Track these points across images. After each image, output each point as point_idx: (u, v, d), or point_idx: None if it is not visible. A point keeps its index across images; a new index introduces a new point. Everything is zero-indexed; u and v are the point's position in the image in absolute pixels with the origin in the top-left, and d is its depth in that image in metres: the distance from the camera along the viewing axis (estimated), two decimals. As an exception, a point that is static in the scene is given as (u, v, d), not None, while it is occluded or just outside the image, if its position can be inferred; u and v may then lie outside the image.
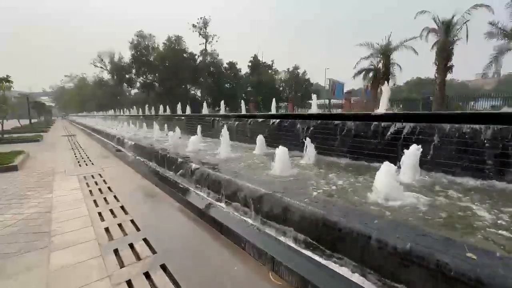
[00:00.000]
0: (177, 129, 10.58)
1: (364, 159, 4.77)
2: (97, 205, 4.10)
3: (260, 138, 6.37)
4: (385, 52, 14.52)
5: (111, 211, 3.88)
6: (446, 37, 12.58)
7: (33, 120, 36.41)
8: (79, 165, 7.39)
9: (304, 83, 42.91)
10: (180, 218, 3.57)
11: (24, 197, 4.52)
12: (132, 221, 3.48)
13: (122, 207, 4.00)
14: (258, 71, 42.18)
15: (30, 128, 23.96)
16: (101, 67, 49.57)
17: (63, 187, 5.08)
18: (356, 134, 4.89)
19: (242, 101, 9.20)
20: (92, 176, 5.98)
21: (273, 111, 8.42)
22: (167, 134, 11.61)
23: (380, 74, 16.35)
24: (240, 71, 43.17)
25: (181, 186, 4.48)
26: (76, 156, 8.83)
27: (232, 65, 41.76)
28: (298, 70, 43.10)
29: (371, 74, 16.92)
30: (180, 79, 39.51)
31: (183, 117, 11.93)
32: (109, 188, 5.04)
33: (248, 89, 43.61)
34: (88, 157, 8.60)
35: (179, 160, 5.20)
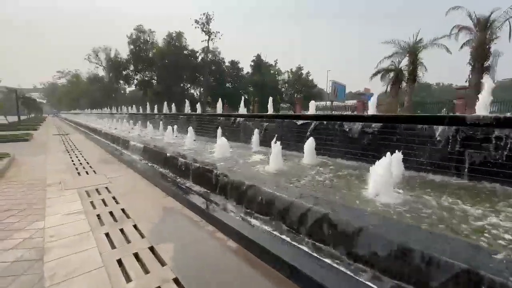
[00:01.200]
0: (191, 131, 9.25)
1: (467, 177, 3.56)
2: (113, 245, 2.75)
3: (309, 144, 5.09)
4: (413, 51, 13.42)
5: (137, 256, 2.54)
6: (483, 35, 11.59)
7: (22, 117, 34.37)
8: (78, 173, 5.97)
9: (307, 84, 41.86)
10: (259, 278, 2.25)
11: (2, 228, 3.13)
12: (176, 281, 2.16)
13: (152, 249, 2.66)
14: (260, 71, 40.95)
15: (18, 126, 22.13)
16: (96, 63, 47.55)
17: (60, 209, 3.70)
18: (462, 143, 3.67)
19: (270, 98, 7.93)
20: (97, 191, 4.60)
21: (312, 111, 7.11)
22: (176, 136, 10.28)
23: (401, 75, 15.33)
24: (242, 70, 41.85)
25: (248, 222, 3.14)
26: (73, 161, 7.38)
27: (234, 63, 40.40)
28: (302, 71, 42.05)
29: (391, 75, 15.87)
30: (179, 77, 37.99)
31: (194, 117, 10.57)
32: (123, 211, 3.68)
33: (250, 88, 42.33)
34: (87, 162, 7.17)
35: (249, 185, 3.86)
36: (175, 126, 10.63)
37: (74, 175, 5.78)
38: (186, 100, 13.49)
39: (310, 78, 42.53)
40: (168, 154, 5.49)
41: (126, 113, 20.44)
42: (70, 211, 3.65)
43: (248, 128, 7.86)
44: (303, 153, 5.47)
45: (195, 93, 44.71)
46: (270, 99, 8.07)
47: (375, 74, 16.94)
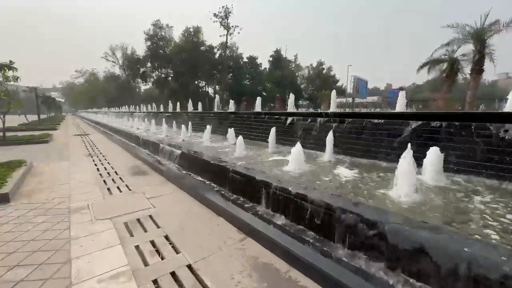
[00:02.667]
0: (232, 132, 7.89)
1: None
2: None
3: (435, 155, 3.51)
4: (480, 36, 11.29)
5: None
6: None
7: (42, 116, 34.42)
8: (108, 189, 4.68)
9: (328, 80, 39.76)
10: None
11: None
12: None
13: None
14: (280, 67, 39.22)
15: (38, 125, 21.64)
16: (113, 61, 47.28)
17: (94, 266, 2.34)
18: None
19: (333, 92, 6.29)
20: (141, 224, 3.25)
21: (401, 107, 5.39)
22: (210, 138, 8.90)
23: (458, 66, 13.26)
24: (260, 66, 40.23)
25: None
26: (99, 170, 6.14)
27: (252, 59, 38.82)
28: (323, 66, 39.96)
29: (445, 66, 13.80)
30: (196, 74, 36.90)
31: (233, 116, 9.17)
32: (193, 272, 2.29)
33: (267, 85, 40.65)
34: (116, 172, 5.90)
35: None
36: (209, 127, 9.28)
37: (103, 192, 4.48)
38: (194, 98, 12.15)
39: (332, 73, 40.37)
40: (234, 169, 4.06)
41: (146, 112, 19.41)
42: (110, 270, 2.28)
43: (307, 130, 6.36)
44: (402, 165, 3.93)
45: (209, 91, 43.49)
46: (333, 93, 6.40)
47: (422, 66, 14.88)
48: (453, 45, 13.01)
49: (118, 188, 4.75)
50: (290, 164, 4.23)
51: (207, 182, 4.65)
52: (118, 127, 14.43)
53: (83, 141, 11.86)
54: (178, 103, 15.88)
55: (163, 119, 13.71)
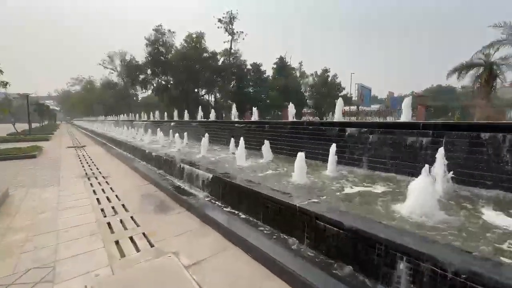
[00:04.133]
0: (268, 147, 6.30)
1: None
2: None
3: None
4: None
5: None
6: None
7: (35, 125, 32.51)
8: (116, 244, 3.01)
9: (334, 87, 38.65)
10: None
11: None
12: None
13: None
14: (284, 74, 38.05)
15: (28, 135, 19.77)
16: (111, 69, 45.65)
17: None
18: None
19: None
20: None
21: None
22: (233, 153, 7.33)
23: (497, 70, 12.05)
24: (265, 73, 38.96)
25: None
26: (100, 203, 4.45)
27: (256, 66, 37.55)
28: (328, 73, 38.92)
29: (481, 71, 12.56)
30: (198, 81, 35.52)
31: (269, 126, 7.55)
32: None
33: (271, 92, 39.32)
34: (124, 206, 4.23)
35: None
36: (232, 139, 7.71)
37: (110, 252, 2.81)
38: (195, 106, 10.60)
39: (338, 81, 39.31)
40: (330, 218, 2.42)
41: (150, 121, 17.75)
42: None
43: (380, 145, 4.79)
44: None
45: (210, 98, 41.97)
46: (408, 99, 4.90)
47: (454, 71, 13.61)
48: (494, 46, 11.80)
49: (132, 240, 3.08)
50: (410, 203, 2.64)
51: (272, 234, 3.01)
52: (119, 138, 12.71)
53: (78, 156, 10.13)
54: (186, 112, 14.30)
55: (171, 130, 12.07)
